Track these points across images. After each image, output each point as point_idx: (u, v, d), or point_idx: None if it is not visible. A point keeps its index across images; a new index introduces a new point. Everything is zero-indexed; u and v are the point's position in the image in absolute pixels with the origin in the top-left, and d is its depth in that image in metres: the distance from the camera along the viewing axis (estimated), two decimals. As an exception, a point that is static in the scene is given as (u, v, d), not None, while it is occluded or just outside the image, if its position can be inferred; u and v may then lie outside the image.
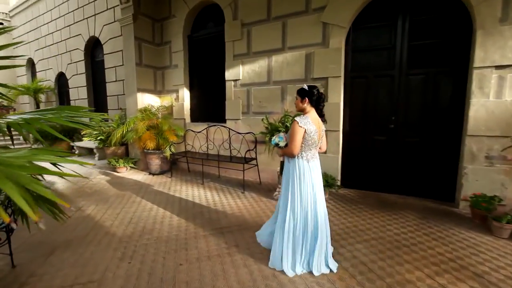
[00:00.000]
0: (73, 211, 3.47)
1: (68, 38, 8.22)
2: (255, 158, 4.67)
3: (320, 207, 2.13)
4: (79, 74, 8.06)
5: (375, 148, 4.04)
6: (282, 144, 2.16)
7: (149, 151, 5.19)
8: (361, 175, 4.21)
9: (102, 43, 7.13)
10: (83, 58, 7.83)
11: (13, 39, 11.21)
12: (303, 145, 2.04)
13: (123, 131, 5.02)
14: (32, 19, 9.75)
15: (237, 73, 4.97)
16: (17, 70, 11.23)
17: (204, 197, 4.05)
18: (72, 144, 7.62)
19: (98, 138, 5.66)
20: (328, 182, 3.75)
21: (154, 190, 4.39)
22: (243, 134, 4.83)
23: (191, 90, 5.90)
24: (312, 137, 2.03)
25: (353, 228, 2.92)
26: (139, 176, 5.30)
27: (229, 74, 5.06)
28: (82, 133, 6.25)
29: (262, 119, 3.96)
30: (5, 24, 11.20)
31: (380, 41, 3.86)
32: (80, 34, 7.78)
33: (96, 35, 7.27)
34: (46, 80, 9.44)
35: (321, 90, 2.19)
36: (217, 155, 5.17)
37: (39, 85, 8.99)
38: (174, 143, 5.31)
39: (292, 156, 2.08)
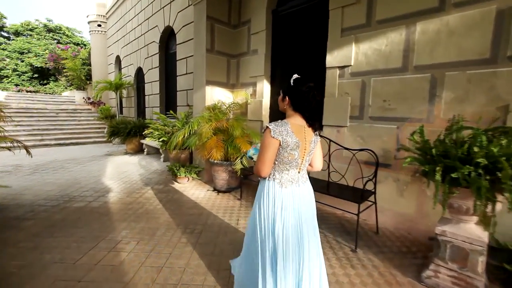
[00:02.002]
0: (105, 251, 2.40)
1: (147, 32, 7.93)
2: (374, 192, 2.88)
3: (310, 267, 1.43)
4: (154, 68, 7.66)
5: None
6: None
7: (215, 161, 3.97)
8: None
9: (176, 32, 6.42)
10: (157, 51, 7.37)
11: (107, 39, 12.09)
12: (276, 162, 1.41)
13: (184, 135, 3.92)
14: (120, 18, 10.08)
15: (346, 56, 3.25)
16: (109, 67, 12.06)
17: (291, 251, 2.50)
18: (142, 141, 7.23)
19: (160, 139, 4.79)
20: None
21: (217, 223, 3.08)
22: (353, 151, 3.08)
23: (272, 83, 4.46)
24: (290, 153, 1.37)
25: None
26: (201, 192, 4.15)
27: (332, 58, 3.39)
28: (143, 133, 5.56)
29: (412, 134, 2.13)
30: (102, 25, 12.16)
31: None
32: (156, 26, 7.34)
33: (171, 24, 6.62)
34: (127, 76, 9.60)
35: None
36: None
37: (120, 81, 9.12)
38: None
39: (259, 176, 1.44)
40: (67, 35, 26.49)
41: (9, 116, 8.90)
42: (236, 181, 4.27)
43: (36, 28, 26.30)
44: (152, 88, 7.82)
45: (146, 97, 8.31)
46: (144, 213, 3.28)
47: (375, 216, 2.90)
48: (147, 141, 6.59)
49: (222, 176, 4.13)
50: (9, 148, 3.42)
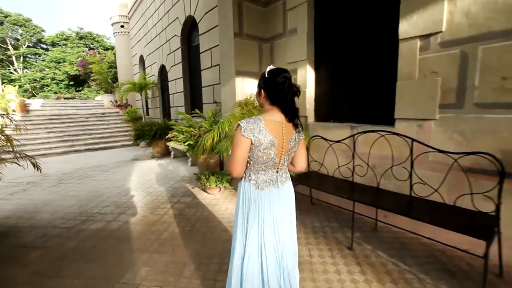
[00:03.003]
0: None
1: (168, 26, 7.40)
2: (497, 217, 1.92)
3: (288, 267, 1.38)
4: (177, 64, 7.12)
5: None
6: None
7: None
8: None
9: (197, 21, 5.75)
10: (180, 45, 6.79)
11: (131, 39, 11.90)
12: (250, 162, 1.30)
13: (213, 138, 3.21)
14: (141, 15, 9.72)
15: (433, 19, 2.28)
16: (134, 68, 11.90)
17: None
18: (168, 144, 6.75)
19: (186, 143, 4.16)
20: None
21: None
22: (454, 155, 2.14)
23: (317, 68, 3.58)
24: (264, 152, 1.26)
25: None
26: (234, 205, 3.45)
27: (409, 25, 2.43)
28: (166, 137, 4.99)
29: None
30: (125, 26, 11.99)
31: None
32: (177, 18, 6.75)
33: (192, 13, 5.97)
34: (151, 75, 9.23)
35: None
36: (375, 188, 2.69)
37: (144, 81, 8.76)
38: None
39: (232, 176, 1.31)
40: (96, 41, 27.52)
41: (43, 123, 8.88)
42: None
43: (69, 37, 27.65)
44: (176, 86, 7.29)
45: (170, 96, 7.84)
46: (169, 239, 2.64)
47: (497, 251, 1.95)
48: (172, 143, 6.07)
49: (260, 187, 3.38)
50: (17, 163, 2.95)
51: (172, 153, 6.70)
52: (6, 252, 2.51)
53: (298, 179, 3.09)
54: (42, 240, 2.73)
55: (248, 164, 1.31)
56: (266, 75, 1.27)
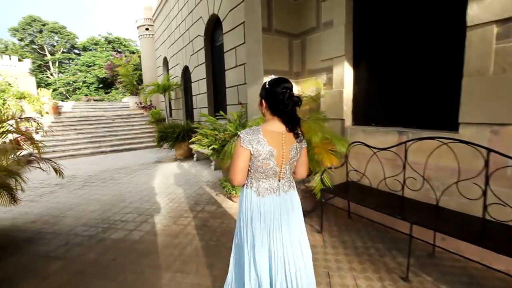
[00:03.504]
0: None
1: (191, 26, 7.29)
2: None
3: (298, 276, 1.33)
4: (200, 65, 6.97)
5: None
6: None
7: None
8: None
9: (222, 19, 5.54)
10: (203, 45, 6.63)
11: (155, 41, 12.06)
12: (251, 170, 1.33)
13: None
14: (165, 17, 9.76)
15: (516, -2, 1.83)
16: (157, 70, 12.05)
17: None
18: (191, 146, 6.62)
19: (210, 147, 3.93)
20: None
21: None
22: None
23: (356, 65, 3.19)
24: (263, 162, 1.27)
25: None
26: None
27: (481, 9, 1.99)
28: (190, 140, 4.81)
29: None
30: (150, 29, 12.18)
31: None
32: (200, 18, 6.59)
33: (215, 11, 5.77)
34: (174, 77, 9.22)
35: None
36: (433, 206, 2.26)
37: (168, 82, 8.75)
38: (330, 169, 2.79)
39: (232, 183, 1.32)
40: (124, 45, 28.64)
41: (72, 125, 9.15)
42: (310, 202, 3.16)
43: (99, 42, 29.04)
44: (199, 87, 7.15)
45: (193, 97, 7.73)
46: (194, 255, 2.40)
47: None
48: (195, 147, 5.92)
49: (290, 197, 3.06)
50: (41, 168, 2.87)
51: (195, 155, 6.56)
52: (28, 262, 2.41)
53: (335, 191, 2.73)
54: (63, 249, 2.61)
55: (249, 172, 1.34)
56: (267, 86, 1.28)
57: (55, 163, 2.93)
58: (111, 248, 2.59)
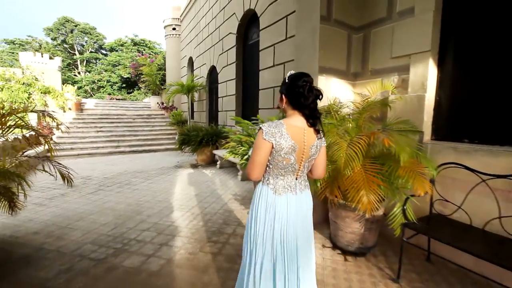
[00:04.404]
0: None
1: (222, 24, 6.84)
2: None
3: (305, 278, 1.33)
4: (229, 64, 6.47)
5: None
6: None
7: (344, 203, 2.25)
8: None
9: (259, 15, 5.01)
10: (234, 44, 6.13)
11: (181, 42, 11.83)
12: (270, 166, 1.28)
13: None
14: (194, 16, 9.45)
15: None
16: (181, 71, 11.76)
17: None
18: (214, 152, 6.07)
19: (245, 157, 3.31)
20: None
21: None
22: None
23: (442, 64, 2.48)
24: (284, 157, 1.23)
25: None
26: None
27: None
28: (223, 146, 4.22)
29: None
30: (177, 29, 11.98)
31: None
32: (233, 14, 6.12)
33: (252, 6, 5.26)
34: (199, 77, 8.81)
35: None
36: None
37: (192, 83, 8.34)
38: (413, 197, 2.07)
39: (249, 178, 1.30)
40: (148, 47, 29.18)
41: (93, 122, 8.89)
42: (373, 234, 2.45)
43: (125, 43, 29.78)
44: (227, 88, 6.63)
45: (219, 99, 7.23)
46: (230, 307, 1.76)
47: None
48: (227, 155, 5.35)
49: (352, 227, 2.37)
50: (48, 172, 2.36)
51: (218, 162, 5.99)
52: (17, 293, 1.87)
53: (421, 228, 2.02)
54: (64, 278, 2.05)
55: (267, 168, 1.29)
56: (287, 80, 1.28)
57: (64, 167, 2.40)
58: (123, 282, 2.01)
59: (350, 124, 2.46)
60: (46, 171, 2.36)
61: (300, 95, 1.22)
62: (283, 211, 1.28)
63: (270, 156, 1.24)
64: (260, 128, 1.23)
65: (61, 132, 8.18)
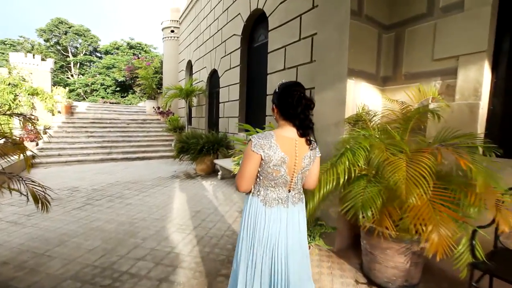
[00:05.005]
0: None
1: (225, 25, 6.47)
2: None
3: None
4: (232, 68, 6.08)
5: None
6: None
7: (394, 237, 1.82)
8: None
9: (268, 14, 4.65)
10: (239, 46, 5.75)
11: (179, 45, 11.44)
12: (260, 177, 1.25)
13: (343, 183, 1.83)
14: (194, 18, 9.08)
15: None
16: (179, 75, 11.34)
17: None
18: (215, 161, 5.60)
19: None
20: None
21: None
22: None
23: (497, 66, 2.12)
24: (274, 169, 1.20)
25: None
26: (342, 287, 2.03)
27: None
28: (231, 157, 3.78)
29: None
30: (175, 31, 11.60)
31: None
32: (238, 14, 5.75)
33: (260, 5, 4.91)
34: (198, 81, 8.39)
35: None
36: None
37: (191, 87, 7.90)
38: (480, 228, 1.66)
39: (238, 190, 1.27)
40: (145, 51, 28.72)
41: (84, 127, 8.29)
42: (420, 271, 2.03)
43: (121, 46, 29.26)
44: (230, 93, 6.22)
45: (220, 104, 6.80)
46: None
47: None
48: (223, 161, 4.91)
49: (394, 261, 1.95)
50: (20, 192, 1.87)
51: (219, 173, 5.52)
52: None
53: (492, 268, 1.60)
54: (32, 335, 1.56)
55: (257, 179, 1.26)
56: (277, 90, 1.25)
57: (39, 186, 1.91)
58: None
59: (395, 137, 2.05)
60: (15, 190, 1.87)
61: (289, 104, 1.19)
62: (272, 225, 1.24)
63: (260, 168, 1.22)
64: (250, 139, 1.21)
65: (48, 137, 7.60)
